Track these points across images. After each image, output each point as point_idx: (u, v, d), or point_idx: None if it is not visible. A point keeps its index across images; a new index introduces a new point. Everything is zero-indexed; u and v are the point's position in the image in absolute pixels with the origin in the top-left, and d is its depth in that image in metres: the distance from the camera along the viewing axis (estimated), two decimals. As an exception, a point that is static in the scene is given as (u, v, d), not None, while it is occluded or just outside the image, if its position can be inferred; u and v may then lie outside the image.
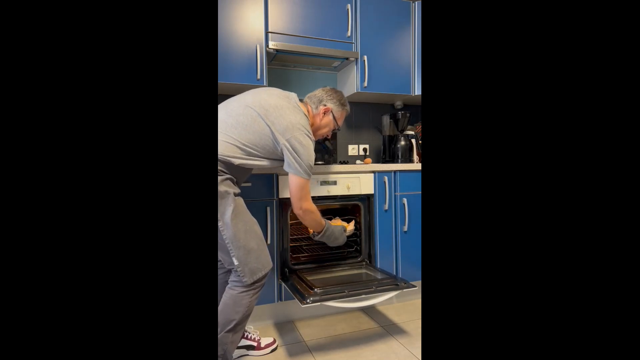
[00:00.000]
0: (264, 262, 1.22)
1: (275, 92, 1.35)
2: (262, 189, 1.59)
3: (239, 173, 1.27)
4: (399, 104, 2.37)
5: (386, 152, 2.26)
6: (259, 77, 1.81)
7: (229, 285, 1.22)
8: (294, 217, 1.50)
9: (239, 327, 1.20)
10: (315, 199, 1.58)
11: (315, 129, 1.41)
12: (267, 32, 1.83)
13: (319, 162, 1.94)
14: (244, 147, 1.23)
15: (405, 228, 1.85)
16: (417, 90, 2.16)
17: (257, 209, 1.56)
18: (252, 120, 1.24)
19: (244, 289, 1.19)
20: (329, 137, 1.56)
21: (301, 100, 1.41)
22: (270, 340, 1.48)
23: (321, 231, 1.44)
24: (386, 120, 2.25)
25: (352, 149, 2.36)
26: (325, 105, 1.41)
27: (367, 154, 2.39)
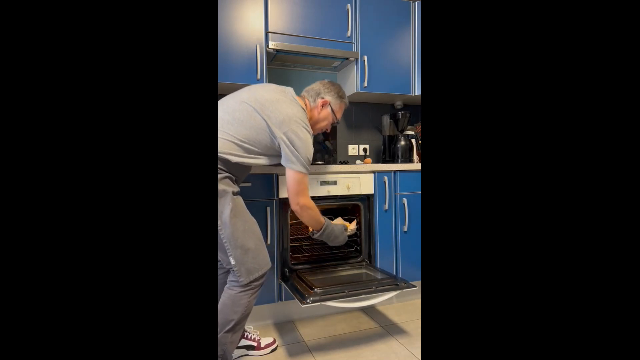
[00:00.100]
0: (261, 262, 1.21)
1: (271, 87, 1.34)
2: (262, 189, 1.59)
3: (237, 171, 1.25)
4: (399, 104, 2.37)
5: (386, 152, 2.26)
6: (259, 77, 1.81)
7: (227, 285, 1.22)
8: (294, 217, 1.50)
9: (237, 327, 1.19)
10: (315, 199, 1.57)
11: (313, 123, 1.39)
12: (267, 32, 1.83)
13: (319, 162, 1.94)
14: (241, 144, 1.21)
15: (405, 228, 1.85)
16: (417, 90, 2.16)
17: (257, 209, 1.56)
18: (248, 116, 1.22)
19: (242, 289, 1.18)
20: (329, 131, 1.53)
21: (299, 95, 1.39)
22: (270, 340, 1.48)
23: (320, 229, 1.40)
24: (386, 120, 2.25)
25: (352, 149, 2.37)
26: (323, 98, 1.39)
27: (367, 154, 2.39)
